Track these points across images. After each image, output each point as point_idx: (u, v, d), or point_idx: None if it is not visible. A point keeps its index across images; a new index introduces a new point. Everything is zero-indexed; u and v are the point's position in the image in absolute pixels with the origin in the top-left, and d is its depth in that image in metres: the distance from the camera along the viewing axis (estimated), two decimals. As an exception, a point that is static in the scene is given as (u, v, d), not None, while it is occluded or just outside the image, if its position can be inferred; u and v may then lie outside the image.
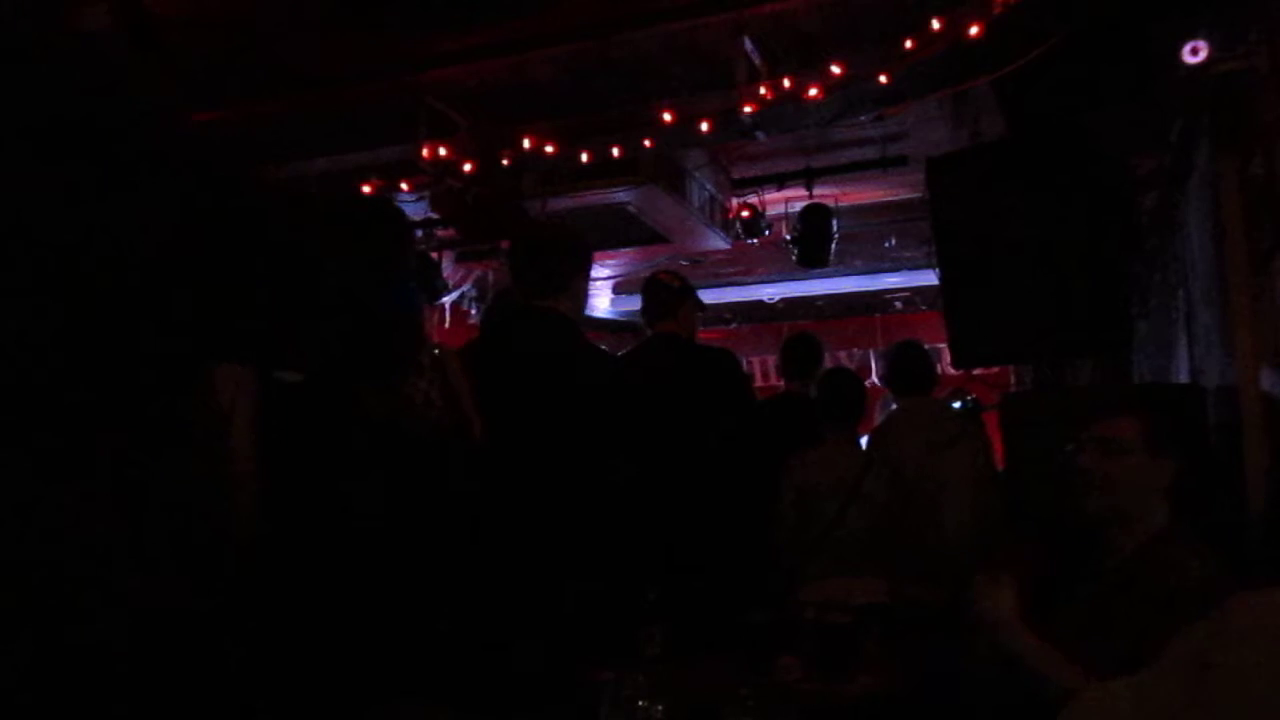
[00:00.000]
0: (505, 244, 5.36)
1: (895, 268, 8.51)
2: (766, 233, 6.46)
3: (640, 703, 1.63)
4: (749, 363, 9.50)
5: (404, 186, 5.08)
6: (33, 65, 1.12)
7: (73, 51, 1.18)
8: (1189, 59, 2.74)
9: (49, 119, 1.12)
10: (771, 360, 8.92)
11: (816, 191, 6.15)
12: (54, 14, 1.20)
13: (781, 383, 4.76)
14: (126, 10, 1.28)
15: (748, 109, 4.16)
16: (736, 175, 6.35)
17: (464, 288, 7.03)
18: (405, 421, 1.99)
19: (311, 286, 1.43)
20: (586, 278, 2.89)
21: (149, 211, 1.18)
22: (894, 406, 4.48)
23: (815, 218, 6.15)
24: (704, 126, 4.32)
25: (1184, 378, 3.49)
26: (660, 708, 1.64)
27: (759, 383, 9.02)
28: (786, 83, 4.09)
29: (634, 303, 9.16)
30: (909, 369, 4.17)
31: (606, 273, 7.83)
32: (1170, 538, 2.13)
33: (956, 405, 5.00)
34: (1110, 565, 2.20)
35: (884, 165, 5.80)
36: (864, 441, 4.16)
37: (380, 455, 1.87)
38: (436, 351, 2.24)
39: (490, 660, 2.13)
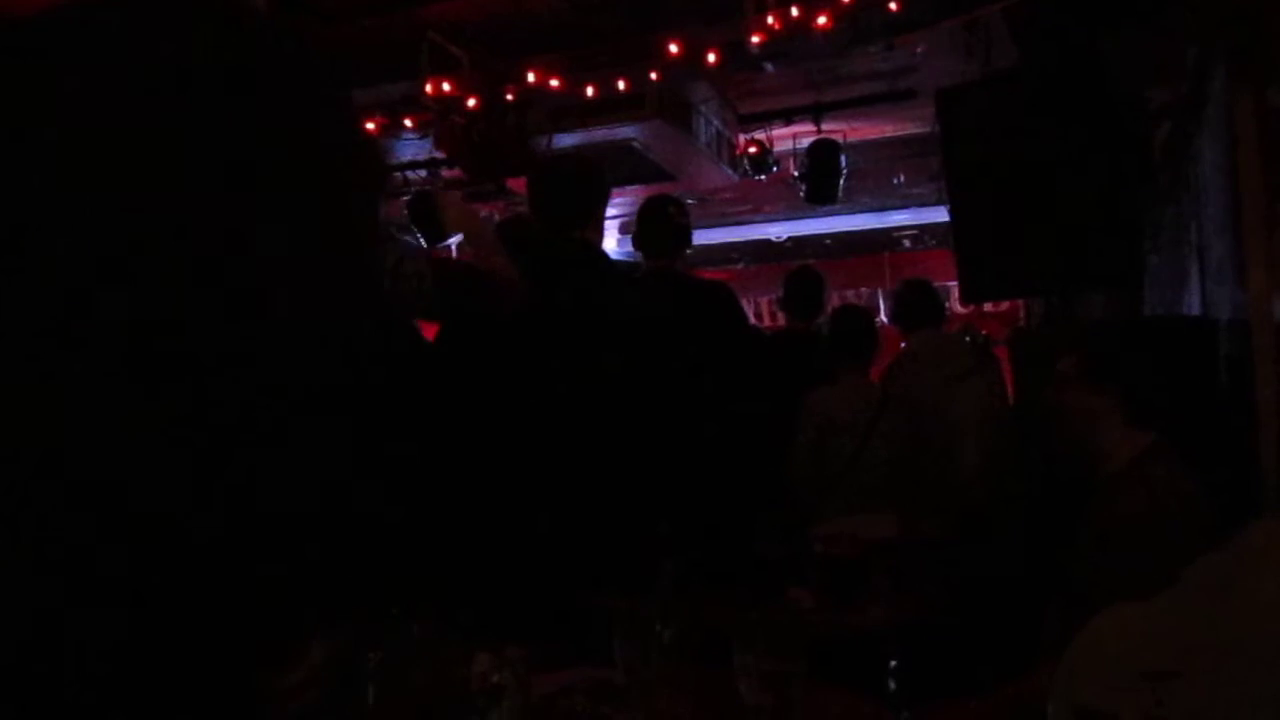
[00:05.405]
0: (511, 182, 5.34)
1: (904, 204, 8.47)
2: (774, 169, 6.41)
3: (652, 629, 1.63)
4: (757, 303, 9.47)
5: (408, 123, 5.03)
6: None
7: None
8: (1206, -17, 2.68)
9: None
10: (781, 299, 8.91)
11: (825, 127, 6.09)
12: None
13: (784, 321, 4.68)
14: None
15: (756, 39, 4.09)
16: (744, 111, 6.27)
17: (470, 228, 6.97)
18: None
19: None
20: (605, 208, 2.85)
21: None
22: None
23: (823, 153, 6.09)
24: (711, 58, 4.26)
25: (1196, 310, 3.46)
26: (670, 634, 1.64)
27: (767, 323, 9.00)
28: (795, 11, 4.01)
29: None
30: (915, 303, 4.18)
31: (614, 212, 7.76)
32: (1144, 463, 2.12)
33: (968, 340, 4.99)
34: (1094, 494, 2.21)
35: (893, 99, 5.73)
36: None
37: None
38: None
39: (501, 588, 2.14)
